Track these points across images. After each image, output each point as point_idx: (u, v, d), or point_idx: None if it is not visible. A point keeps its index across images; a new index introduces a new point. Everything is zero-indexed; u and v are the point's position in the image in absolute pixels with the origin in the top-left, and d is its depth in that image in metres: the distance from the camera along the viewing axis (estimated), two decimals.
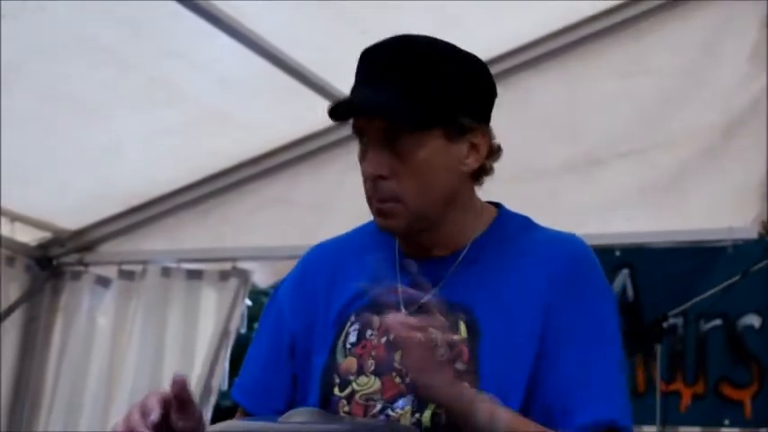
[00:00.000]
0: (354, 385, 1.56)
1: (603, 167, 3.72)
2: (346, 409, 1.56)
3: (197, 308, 4.25)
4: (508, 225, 1.65)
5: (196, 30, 3.37)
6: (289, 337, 1.67)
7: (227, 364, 4.15)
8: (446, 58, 1.58)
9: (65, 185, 4.11)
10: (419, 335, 1.44)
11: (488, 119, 1.63)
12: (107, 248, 4.41)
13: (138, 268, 4.30)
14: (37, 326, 4.38)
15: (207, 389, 4.08)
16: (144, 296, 4.26)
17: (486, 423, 1.45)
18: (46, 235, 4.43)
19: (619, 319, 1.60)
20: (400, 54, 1.57)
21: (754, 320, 3.61)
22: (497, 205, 1.68)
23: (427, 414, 1.52)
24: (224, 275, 4.21)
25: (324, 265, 1.69)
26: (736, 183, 3.58)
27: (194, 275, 4.25)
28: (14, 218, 4.24)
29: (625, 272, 3.77)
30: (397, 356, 1.52)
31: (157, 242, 4.32)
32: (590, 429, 1.50)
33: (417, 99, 1.54)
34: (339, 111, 1.58)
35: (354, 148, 1.62)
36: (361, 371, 1.57)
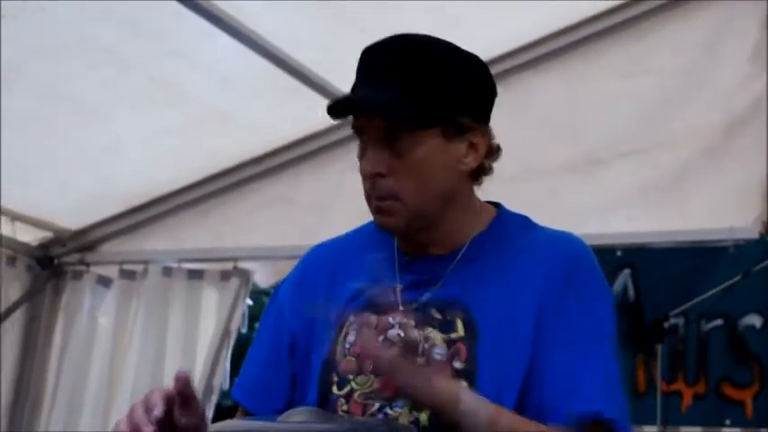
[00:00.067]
0: (353, 384, 1.57)
1: (605, 167, 3.72)
2: (345, 408, 1.57)
3: (198, 308, 4.25)
4: (507, 224, 1.65)
5: (198, 30, 3.37)
6: (289, 337, 1.67)
7: (228, 364, 4.15)
8: (446, 58, 1.58)
9: (66, 185, 4.11)
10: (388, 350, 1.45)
11: (488, 118, 1.64)
12: (108, 248, 4.42)
13: (139, 268, 4.30)
14: (38, 325, 4.39)
15: (208, 388, 4.08)
16: (145, 296, 4.27)
17: (471, 419, 1.45)
18: (47, 235, 4.43)
19: (615, 318, 1.60)
20: (400, 53, 1.57)
21: (755, 320, 3.61)
22: (497, 205, 1.69)
23: (425, 413, 1.52)
24: (225, 275, 4.21)
25: (324, 266, 1.70)
26: (738, 183, 3.58)
27: (195, 275, 4.26)
28: (15, 217, 4.24)
29: (626, 272, 3.77)
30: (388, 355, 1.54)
31: (158, 242, 4.33)
32: (573, 421, 1.50)
33: (417, 98, 1.54)
34: (338, 108, 1.59)
35: (355, 149, 1.62)
36: (359, 370, 1.57)
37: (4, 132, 3.56)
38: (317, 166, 4.10)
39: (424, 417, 1.52)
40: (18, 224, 4.27)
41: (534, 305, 1.55)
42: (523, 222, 1.67)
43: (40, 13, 3.18)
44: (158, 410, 1.35)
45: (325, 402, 1.57)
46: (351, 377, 1.57)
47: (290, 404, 1.60)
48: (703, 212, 3.61)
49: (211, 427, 1.46)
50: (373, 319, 1.59)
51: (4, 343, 4.27)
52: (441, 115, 1.56)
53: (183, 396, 1.37)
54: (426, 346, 1.55)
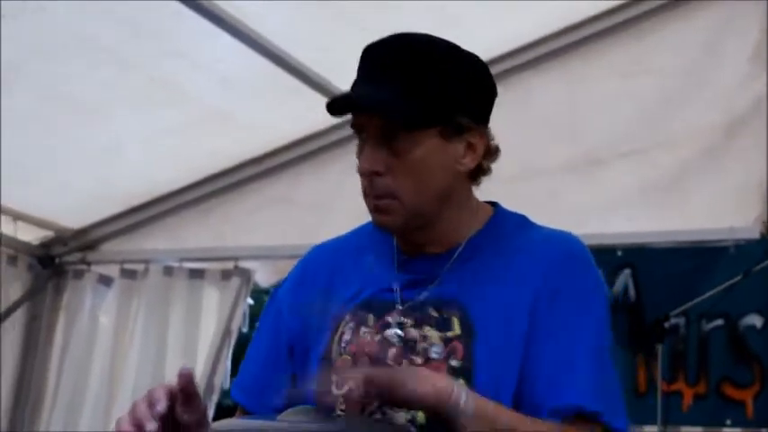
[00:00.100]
0: (351, 384, 1.57)
1: (605, 167, 3.71)
2: (342, 407, 1.56)
3: (199, 307, 4.25)
4: (504, 223, 1.65)
5: (198, 30, 3.37)
6: (287, 337, 1.68)
7: (228, 363, 4.15)
8: (446, 58, 1.58)
9: (67, 185, 4.11)
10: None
11: (487, 119, 1.64)
12: (109, 247, 4.42)
13: (140, 267, 4.31)
14: (39, 324, 4.39)
15: (209, 387, 4.08)
16: (146, 295, 4.27)
17: (468, 417, 1.45)
18: (48, 234, 4.43)
19: (608, 317, 1.59)
20: (400, 52, 1.57)
21: (755, 320, 3.61)
22: (494, 204, 1.69)
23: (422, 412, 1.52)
24: (226, 275, 4.21)
25: (322, 266, 1.70)
26: (738, 183, 3.57)
27: (196, 275, 4.26)
28: (17, 217, 4.25)
29: (627, 272, 3.77)
30: (390, 354, 1.53)
31: (159, 241, 4.33)
32: (555, 415, 1.50)
33: (415, 98, 1.54)
34: (337, 106, 1.60)
35: (355, 149, 1.62)
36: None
37: (6, 132, 3.56)
38: (317, 165, 4.10)
39: (421, 415, 1.52)
40: (19, 223, 4.27)
41: (530, 304, 1.55)
42: (520, 221, 1.67)
43: (40, 13, 3.18)
44: (162, 406, 1.35)
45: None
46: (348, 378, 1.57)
47: (290, 403, 1.61)
48: (704, 212, 3.61)
49: (211, 426, 1.46)
50: (370, 317, 1.59)
51: (5, 342, 4.27)
52: (439, 115, 1.56)
53: (185, 393, 1.38)
54: (424, 344, 1.55)
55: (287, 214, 4.11)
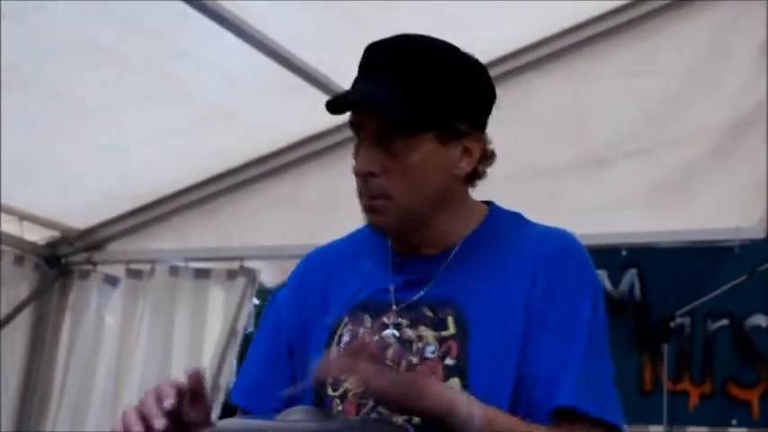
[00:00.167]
0: (347, 384, 1.57)
1: (609, 167, 3.71)
2: (340, 408, 1.58)
3: (205, 307, 4.25)
4: (499, 222, 1.65)
5: (202, 29, 3.37)
6: (287, 338, 1.69)
7: (234, 363, 4.15)
8: (442, 60, 1.58)
9: (73, 185, 4.12)
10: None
11: (485, 123, 1.63)
12: (115, 247, 4.42)
13: (145, 267, 4.31)
14: (45, 324, 4.40)
15: (215, 387, 4.09)
16: (152, 295, 4.27)
17: (466, 424, 1.45)
18: (54, 234, 4.44)
19: (603, 315, 1.59)
20: (397, 54, 1.57)
21: (761, 320, 3.62)
22: (489, 203, 1.69)
23: None
24: (231, 274, 4.22)
25: (320, 269, 1.71)
26: (744, 183, 3.56)
27: (202, 274, 4.26)
28: (23, 217, 4.25)
29: (632, 271, 3.78)
30: (389, 354, 1.53)
31: (165, 241, 4.33)
32: (551, 417, 1.50)
33: (411, 100, 1.54)
34: (336, 104, 1.59)
35: None
36: None
37: (9, 132, 3.56)
38: (323, 165, 4.10)
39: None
40: (25, 223, 4.28)
41: (525, 302, 1.55)
42: (516, 220, 1.67)
43: (40, 13, 3.18)
44: (170, 402, 1.35)
45: (320, 403, 1.58)
46: (344, 378, 1.57)
47: (289, 404, 1.61)
48: (709, 212, 3.60)
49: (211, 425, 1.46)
50: (368, 318, 1.60)
51: (12, 342, 4.28)
52: (434, 119, 1.56)
53: (194, 392, 1.38)
54: (420, 344, 1.56)
55: (292, 214, 4.11)
